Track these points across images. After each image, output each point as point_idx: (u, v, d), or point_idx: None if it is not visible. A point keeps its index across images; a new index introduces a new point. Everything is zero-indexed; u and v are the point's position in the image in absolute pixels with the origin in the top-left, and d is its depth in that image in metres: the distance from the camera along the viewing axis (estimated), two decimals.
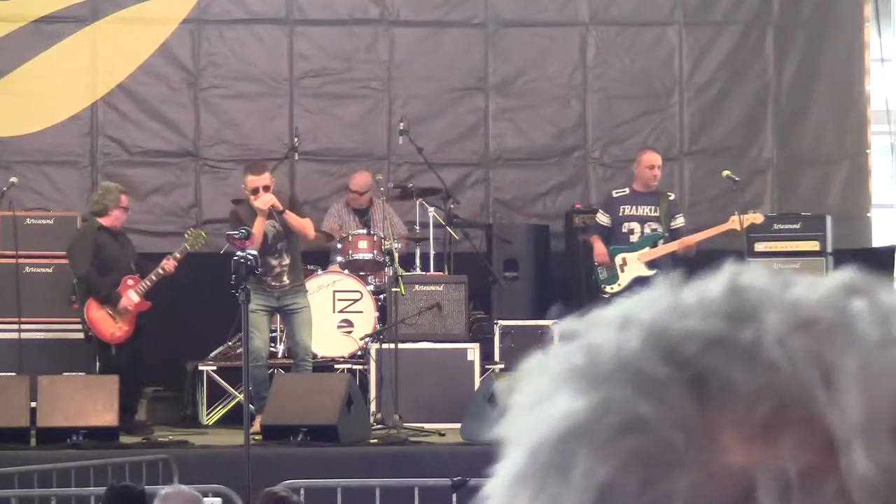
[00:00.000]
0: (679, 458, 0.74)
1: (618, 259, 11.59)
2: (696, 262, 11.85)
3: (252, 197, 10.95)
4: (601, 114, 13.77)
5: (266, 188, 10.95)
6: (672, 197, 11.84)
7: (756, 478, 0.73)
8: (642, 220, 11.64)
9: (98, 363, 11.14)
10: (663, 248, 11.53)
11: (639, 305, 0.80)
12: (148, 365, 11.52)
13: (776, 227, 12.65)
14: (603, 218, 11.79)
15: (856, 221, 13.69)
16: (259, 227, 10.89)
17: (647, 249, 11.56)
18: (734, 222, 11.47)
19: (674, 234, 11.59)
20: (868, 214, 13.88)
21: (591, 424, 0.76)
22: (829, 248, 12.56)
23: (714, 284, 0.81)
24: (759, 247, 12.49)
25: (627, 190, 11.79)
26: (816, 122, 13.89)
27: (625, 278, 11.53)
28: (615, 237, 11.66)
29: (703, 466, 0.74)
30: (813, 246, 12.53)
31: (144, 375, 11.32)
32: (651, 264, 11.48)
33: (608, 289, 11.60)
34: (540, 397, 0.78)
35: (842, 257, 12.71)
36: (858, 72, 13.90)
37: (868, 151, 13.93)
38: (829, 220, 12.70)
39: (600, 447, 0.75)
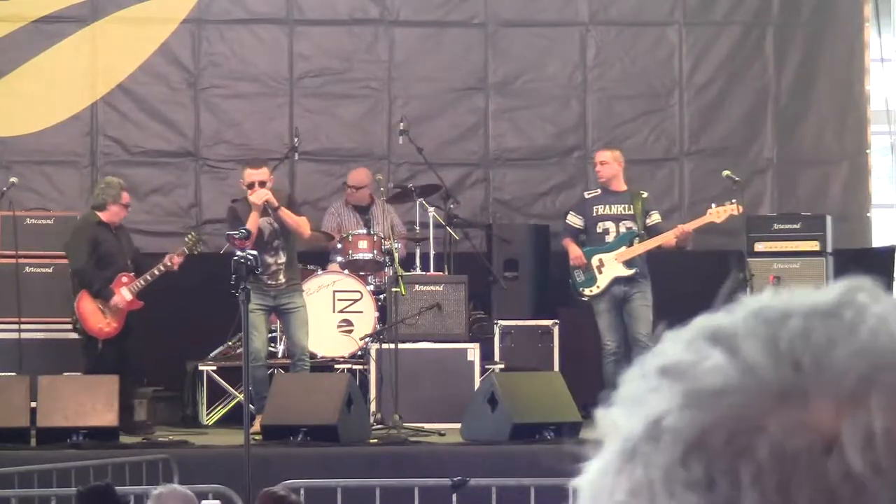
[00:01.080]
0: (765, 418, 0.80)
1: (594, 261, 11.37)
2: (683, 263, 11.88)
3: (248, 191, 10.99)
4: (601, 114, 13.77)
5: (262, 183, 10.98)
6: (645, 195, 11.64)
7: (841, 432, 0.79)
8: (617, 219, 11.46)
9: (84, 358, 11.14)
10: (647, 244, 11.37)
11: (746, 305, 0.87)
12: (146, 364, 11.53)
13: (776, 227, 12.65)
14: (576, 220, 11.61)
15: (856, 221, 13.68)
16: (253, 221, 10.90)
17: (623, 249, 11.39)
18: (712, 214, 11.37)
19: (650, 232, 11.43)
20: (868, 214, 13.87)
21: (685, 398, 0.82)
22: (829, 248, 12.56)
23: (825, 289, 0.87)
24: (759, 247, 12.49)
25: (599, 190, 11.64)
26: (816, 122, 13.89)
27: (603, 280, 11.37)
28: (590, 238, 11.48)
29: (788, 424, 0.80)
30: (813, 246, 12.53)
31: (135, 374, 11.27)
32: (630, 263, 11.33)
33: (587, 291, 11.43)
34: (636, 396, 0.85)
35: (842, 257, 12.72)
36: (858, 72, 13.89)
37: (868, 151, 13.93)
38: (829, 220, 12.69)
39: (691, 407, 0.81)
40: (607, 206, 11.50)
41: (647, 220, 11.47)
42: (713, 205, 11.42)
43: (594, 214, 11.50)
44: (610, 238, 11.43)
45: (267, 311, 11.08)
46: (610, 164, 11.56)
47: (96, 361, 10.99)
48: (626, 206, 11.47)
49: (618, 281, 11.31)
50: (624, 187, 11.60)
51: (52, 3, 13.25)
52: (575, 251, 11.49)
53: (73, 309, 11.14)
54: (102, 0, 13.32)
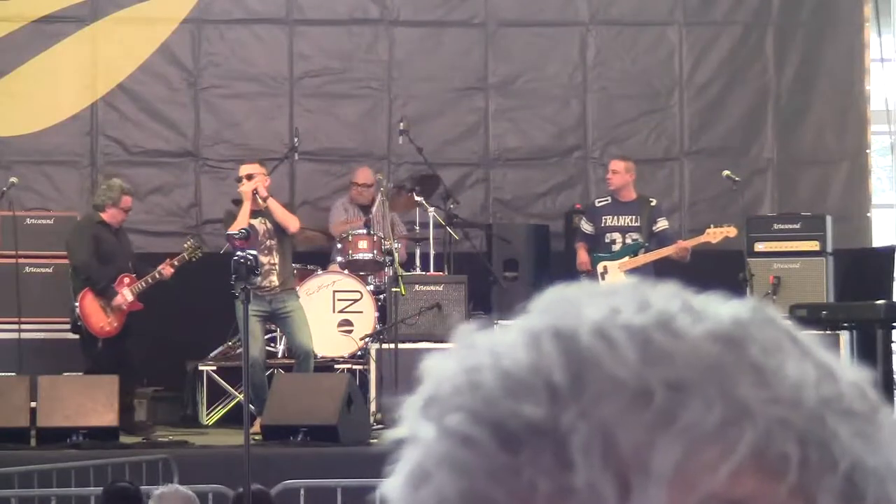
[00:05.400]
0: None
1: (599, 267, 11.74)
2: (683, 267, 11.89)
3: (240, 185, 11.08)
4: (601, 114, 13.77)
5: (249, 177, 11.06)
6: (654, 203, 11.92)
7: None
8: (623, 231, 11.79)
9: (84, 357, 11.14)
10: (648, 256, 11.62)
11: (496, 350, 0.76)
12: (146, 364, 11.53)
13: (776, 227, 12.65)
14: (587, 226, 11.97)
15: (856, 221, 13.68)
16: (244, 214, 10.94)
17: (626, 259, 11.63)
18: (709, 235, 11.51)
19: (658, 238, 11.69)
20: (868, 214, 13.87)
21: (412, 490, 0.73)
22: (829, 248, 12.56)
23: (557, 337, 0.74)
24: (759, 247, 12.49)
25: (609, 199, 11.91)
26: (816, 122, 13.88)
27: None
28: (599, 246, 11.85)
29: None
30: (813, 246, 12.53)
31: (135, 374, 11.26)
32: (631, 273, 11.47)
33: None
34: (407, 420, 0.76)
35: (842, 257, 12.72)
36: (858, 72, 13.89)
37: (868, 151, 13.92)
38: (829, 220, 12.69)
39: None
40: (615, 218, 11.81)
41: (654, 227, 11.74)
42: (711, 225, 11.63)
43: (602, 225, 11.84)
44: (616, 248, 11.76)
45: (263, 317, 11.06)
46: (621, 174, 11.86)
47: (96, 361, 10.99)
48: (634, 216, 11.76)
49: None
50: (633, 196, 11.88)
51: (52, 3, 13.25)
52: (582, 257, 11.83)
53: (73, 308, 11.13)
54: (102, 0, 13.32)
